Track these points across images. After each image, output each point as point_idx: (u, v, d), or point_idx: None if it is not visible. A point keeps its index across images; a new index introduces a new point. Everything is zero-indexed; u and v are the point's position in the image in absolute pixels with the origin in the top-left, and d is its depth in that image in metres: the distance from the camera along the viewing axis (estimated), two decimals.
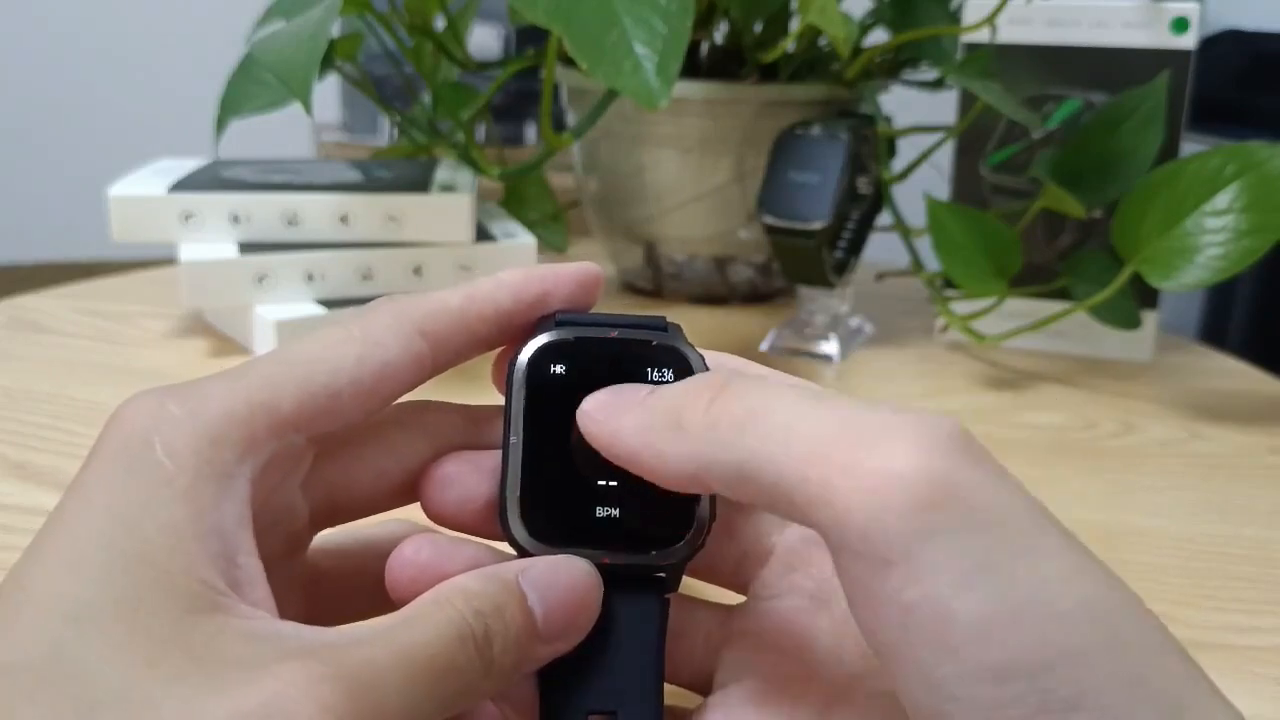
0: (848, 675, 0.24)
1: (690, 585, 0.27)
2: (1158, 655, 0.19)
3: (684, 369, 0.25)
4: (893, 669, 0.20)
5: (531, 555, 0.24)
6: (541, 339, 0.25)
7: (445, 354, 0.25)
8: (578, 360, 0.25)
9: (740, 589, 0.28)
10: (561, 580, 0.23)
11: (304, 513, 0.25)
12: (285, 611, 0.22)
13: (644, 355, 0.25)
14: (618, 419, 0.23)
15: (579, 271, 0.26)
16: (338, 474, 0.26)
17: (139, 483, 0.21)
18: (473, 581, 0.22)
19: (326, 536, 0.27)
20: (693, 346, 0.25)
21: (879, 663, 0.20)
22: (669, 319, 0.26)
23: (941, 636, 0.18)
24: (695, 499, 0.24)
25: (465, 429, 0.27)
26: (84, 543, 0.20)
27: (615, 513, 0.24)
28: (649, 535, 0.24)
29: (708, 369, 0.25)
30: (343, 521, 0.27)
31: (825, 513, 0.20)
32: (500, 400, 0.26)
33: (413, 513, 0.27)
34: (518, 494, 0.24)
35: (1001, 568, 0.19)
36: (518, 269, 0.26)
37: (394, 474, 0.26)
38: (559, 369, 0.25)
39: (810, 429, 0.20)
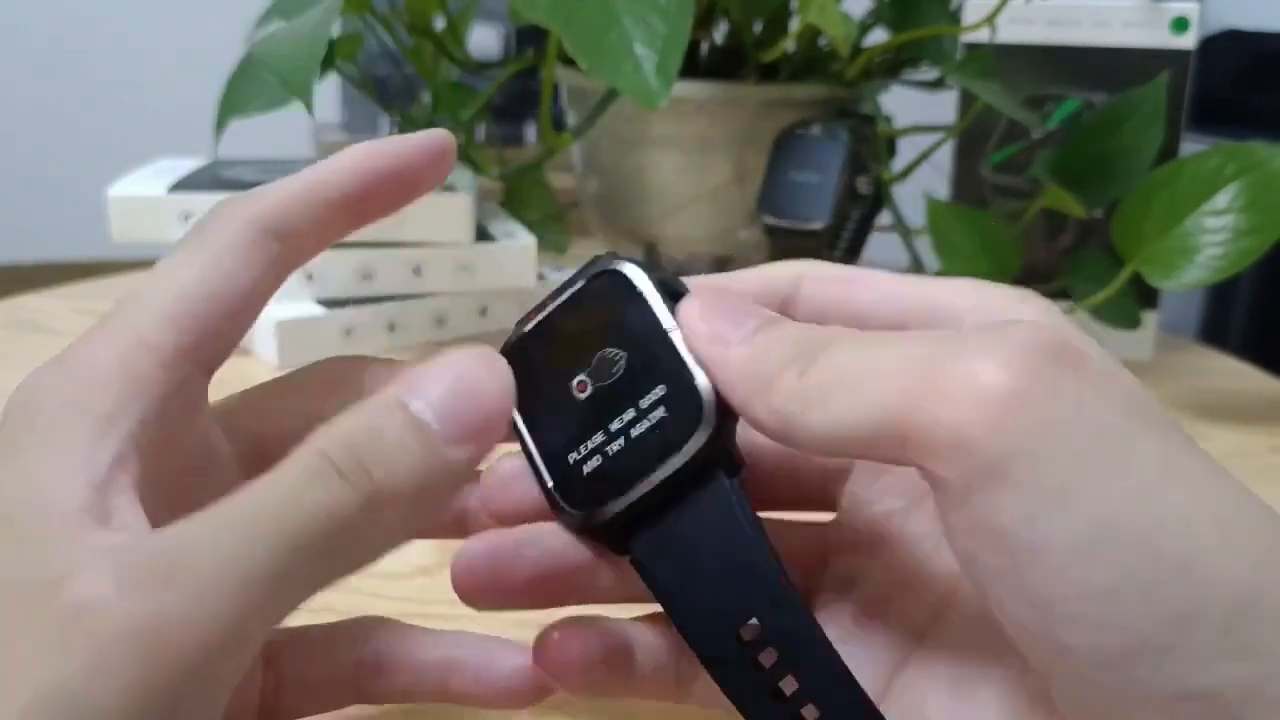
0: (949, 579, 0.24)
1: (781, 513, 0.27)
2: (1270, 545, 0.18)
3: (627, 285, 0.25)
4: (997, 595, 0.19)
5: (593, 526, 0.24)
6: (511, 338, 0.26)
7: (298, 249, 0.24)
8: (546, 340, 0.26)
9: (829, 506, 0.27)
10: (451, 374, 0.20)
11: (228, 456, 0.24)
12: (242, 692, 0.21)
13: (593, 299, 0.25)
14: (726, 349, 0.22)
15: (424, 140, 0.25)
16: (256, 425, 0.25)
17: (19, 453, 0.20)
18: (342, 416, 0.19)
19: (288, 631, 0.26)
20: (628, 259, 0.25)
21: (980, 593, 0.20)
22: (608, 252, 0.26)
23: (1043, 560, 0.18)
24: (693, 384, 0.23)
25: (384, 380, 0.25)
26: None
27: (630, 442, 0.24)
28: (671, 441, 0.23)
29: (645, 271, 0.24)
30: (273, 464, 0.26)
31: (916, 453, 0.19)
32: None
33: None
34: (550, 484, 0.25)
35: (1090, 486, 0.18)
36: (356, 147, 0.25)
37: (313, 420, 0.25)
38: (535, 354, 0.26)
39: (894, 378, 0.20)
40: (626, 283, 0.25)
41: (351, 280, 0.59)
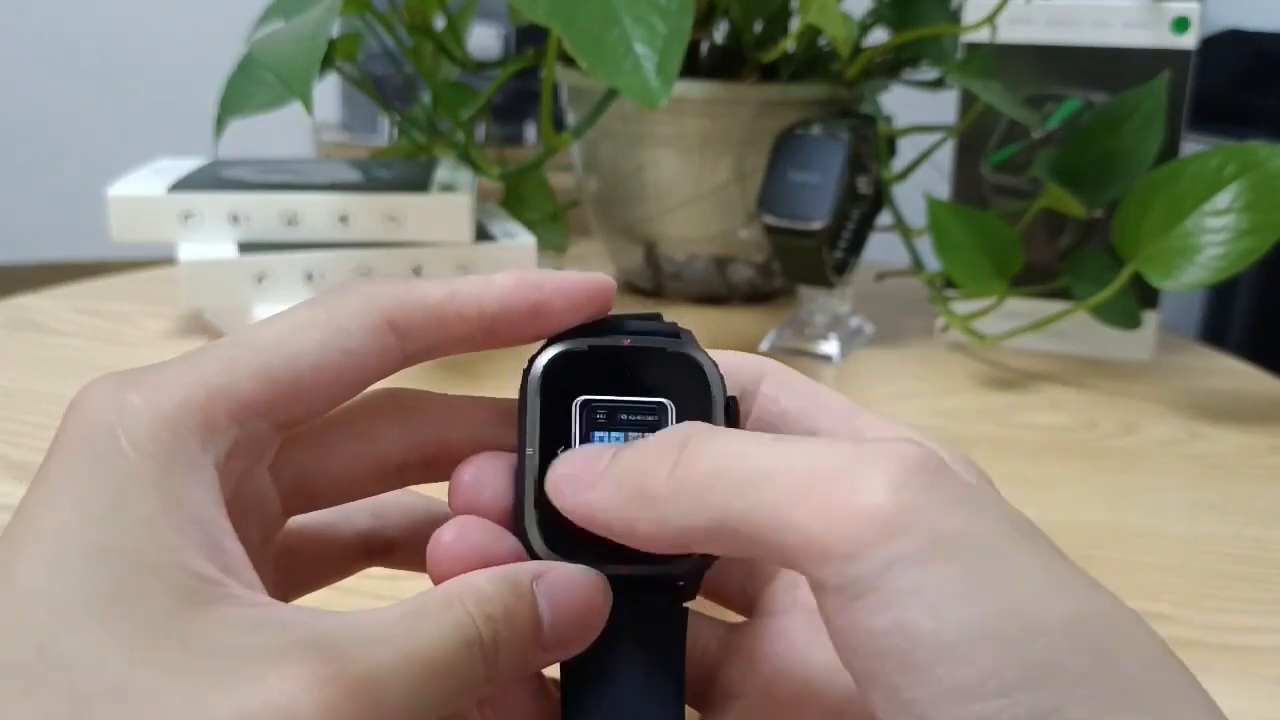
0: (843, 696, 0.24)
1: (693, 602, 0.27)
2: (1143, 667, 0.19)
3: (699, 377, 0.25)
4: (870, 698, 0.19)
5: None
6: (554, 349, 0.25)
7: (416, 348, 0.24)
8: (591, 370, 0.25)
9: (746, 609, 0.27)
10: (574, 590, 0.23)
11: (275, 499, 0.25)
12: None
13: (657, 364, 0.25)
14: (585, 493, 0.22)
15: (582, 283, 0.25)
16: (308, 460, 0.25)
17: (106, 476, 0.20)
18: (486, 583, 0.22)
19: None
20: (705, 352, 0.25)
21: (860, 697, 0.20)
22: (679, 324, 0.26)
23: (910, 659, 0.18)
24: None
25: (439, 418, 0.26)
26: (58, 538, 0.19)
27: None
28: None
29: (721, 377, 0.25)
30: (316, 508, 0.26)
31: (803, 556, 0.19)
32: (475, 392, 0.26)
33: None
34: (534, 505, 0.24)
35: (971, 590, 0.18)
36: (514, 273, 0.25)
37: (365, 460, 0.25)
38: (573, 379, 0.25)
39: (778, 478, 0.20)
40: (701, 379, 0.25)
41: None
